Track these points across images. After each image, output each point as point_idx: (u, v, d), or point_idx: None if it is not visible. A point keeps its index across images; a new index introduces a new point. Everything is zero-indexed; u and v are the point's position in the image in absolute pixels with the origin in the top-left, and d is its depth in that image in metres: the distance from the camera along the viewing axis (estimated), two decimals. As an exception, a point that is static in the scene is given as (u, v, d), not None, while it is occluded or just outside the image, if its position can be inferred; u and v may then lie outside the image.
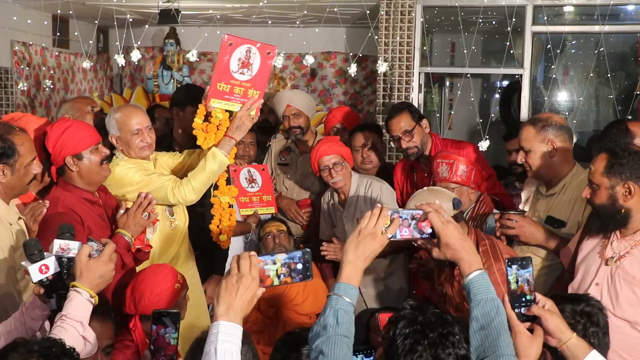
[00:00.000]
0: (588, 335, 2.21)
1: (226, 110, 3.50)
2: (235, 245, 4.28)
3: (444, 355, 1.86)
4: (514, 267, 2.10)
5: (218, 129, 3.54)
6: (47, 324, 2.40)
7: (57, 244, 2.38)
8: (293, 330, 2.76)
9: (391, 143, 4.54)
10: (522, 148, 3.45)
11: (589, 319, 2.25)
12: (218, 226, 3.91)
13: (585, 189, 2.91)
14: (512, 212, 3.44)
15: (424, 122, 4.26)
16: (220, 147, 3.48)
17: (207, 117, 3.53)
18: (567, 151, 3.43)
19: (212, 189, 3.80)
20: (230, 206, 3.94)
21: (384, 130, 4.71)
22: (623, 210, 2.80)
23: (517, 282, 2.10)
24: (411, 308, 1.99)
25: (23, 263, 2.33)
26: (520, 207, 3.63)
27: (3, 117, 3.38)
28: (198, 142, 3.53)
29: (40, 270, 2.27)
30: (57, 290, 2.31)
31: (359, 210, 4.12)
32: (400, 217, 2.07)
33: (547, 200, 3.48)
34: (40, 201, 3.08)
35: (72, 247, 2.37)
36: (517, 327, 2.08)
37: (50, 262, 2.30)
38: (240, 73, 3.43)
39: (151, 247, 3.32)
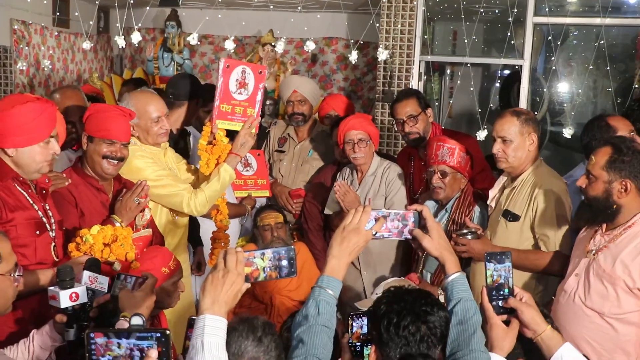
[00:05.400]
0: None
1: (227, 131, 3.67)
2: (231, 228, 4.30)
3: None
4: (492, 261, 2.18)
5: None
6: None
7: (87, 275, 2.44)
8: None
9: (394, 125, 4.57)
10: (503, 138, 3.48)
11: None
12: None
13: (582, 178, 2.96)
14: (465, 232, 3.53)
15: (429, 111, 4.34)
16: (228, 164, 3.62)
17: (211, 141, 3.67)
18: (536, 147, 3.53)
19: None
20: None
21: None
22: (615, 206, 2.84)
23: (493, 276, 2.18)
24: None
25: (52, 288, 2.34)
26: (489, 202, 3.68)
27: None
28: (201, 163, 3.67)
29: (70, 297, 2.30)
30: (79, 321, 2.34)
31: (373, 191, 4.17)
32: (384, 216, 2.15)
33: (508, 192, 3.55)
34: (64, 175, 3.21)
35: (100, 280, 2.45)
36: (492, 319, 2.17)
37: (81, 291, 2.34)
38: (239, 93, 3.62)
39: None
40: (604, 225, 2.94)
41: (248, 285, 1.95)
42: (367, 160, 4.21)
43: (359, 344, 2.26)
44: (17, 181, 2.81)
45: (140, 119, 3.55)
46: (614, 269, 2.82)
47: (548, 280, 3.45)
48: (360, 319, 2.27)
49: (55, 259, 2.90)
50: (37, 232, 2.84)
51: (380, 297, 2.17)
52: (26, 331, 2.46)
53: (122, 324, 2.21)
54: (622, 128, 3.76)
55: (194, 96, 4.28)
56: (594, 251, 2.94)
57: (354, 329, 2.29)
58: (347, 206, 3.97)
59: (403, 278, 3.34)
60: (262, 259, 1.96)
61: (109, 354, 1.66)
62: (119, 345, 1.65)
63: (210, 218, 4.06)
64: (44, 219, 2.88)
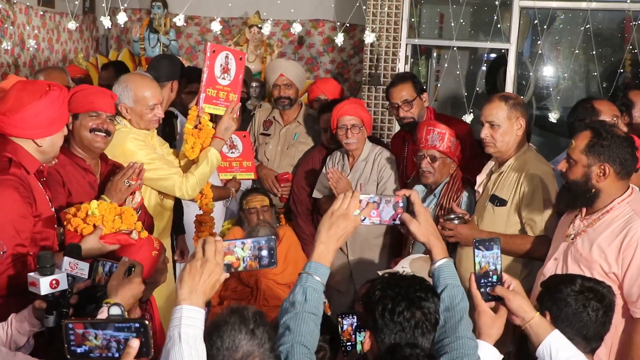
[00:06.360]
0: (588, 306, 2.32)
1: (211, 115, 3.75)
2: (216, 211, 4.31)
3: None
4: (481, 248, 2.17)
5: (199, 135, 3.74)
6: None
7: (67, 261, 2.41)
8: None
9: (388, 109, 4.58)
10: (491, 123, 3.49)
11: (595, 295, 2.36)
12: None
13: (562, 162, 2.99)
14: (452, 217, 3.55)
15: (424, 95, 4.34)
16: (214, 147, 3.67)
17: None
18: (524, 132, 3.54)
19: None
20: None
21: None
22: (593, 190, 2.87)
23: (481, 263, 2.17)
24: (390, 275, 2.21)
25: (32, 274, 2.30)
26: (476, 187, 3.69)
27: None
28: (186, 147, 3.69)
29: (50, 284, 2.27)
30: (58, 307, 2.30)
31: (364, 177, 4.18)
32: (373, 201, 2.14)
33: (495, 177, 3.57)
34: None
35: (81, 266, 2.41)
36: (480, 306, 2.17)
37: (62, 278, 2.30)
38: (222, 78, 3.71)
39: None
40: (584, 210, 2.98)
41: (227, 275, 1.92)
42: (359, 146, 4.22)
43: (350, 343, 2.27)
44: (37, 172, 2.82)
45: (136, 104, 3.55)
46: (590, 253, 2.86)
47: (534, 264, 3.48)
48: (350, 318, 2.28)
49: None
50: (56, 226, 2.87)
51: (375, 283, 2.17)
52: (6, 314, 2.45)
53: (104, 311, 2.18)
54: (606, 112, 3.80)
55: (176, 77, 4.27)
56: (572, 235, 2.97)
57: (344, 327, 2.29)
58: (339, 192, 3.95)
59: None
60: (243, 248, 1.93)
61: (86, 344, 1.66)
62: (96, 336, 1.65)
63: (195, 202, 4.06)
64: (53, 210, 2.89)
